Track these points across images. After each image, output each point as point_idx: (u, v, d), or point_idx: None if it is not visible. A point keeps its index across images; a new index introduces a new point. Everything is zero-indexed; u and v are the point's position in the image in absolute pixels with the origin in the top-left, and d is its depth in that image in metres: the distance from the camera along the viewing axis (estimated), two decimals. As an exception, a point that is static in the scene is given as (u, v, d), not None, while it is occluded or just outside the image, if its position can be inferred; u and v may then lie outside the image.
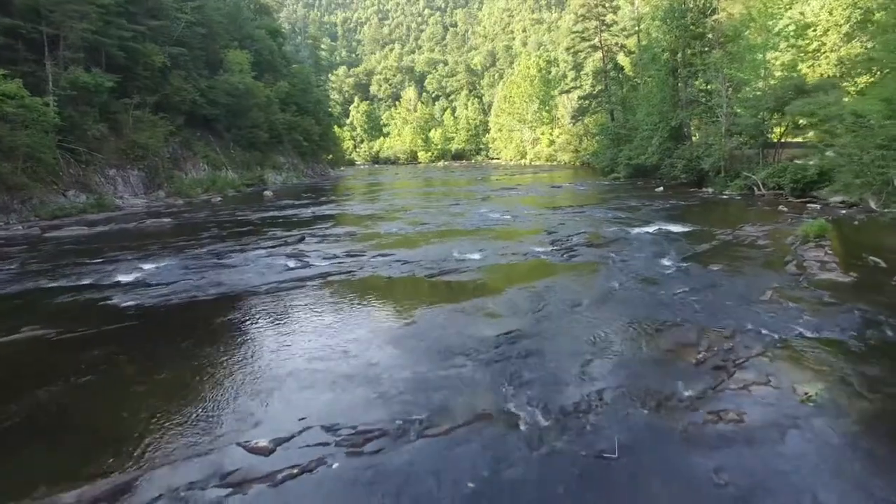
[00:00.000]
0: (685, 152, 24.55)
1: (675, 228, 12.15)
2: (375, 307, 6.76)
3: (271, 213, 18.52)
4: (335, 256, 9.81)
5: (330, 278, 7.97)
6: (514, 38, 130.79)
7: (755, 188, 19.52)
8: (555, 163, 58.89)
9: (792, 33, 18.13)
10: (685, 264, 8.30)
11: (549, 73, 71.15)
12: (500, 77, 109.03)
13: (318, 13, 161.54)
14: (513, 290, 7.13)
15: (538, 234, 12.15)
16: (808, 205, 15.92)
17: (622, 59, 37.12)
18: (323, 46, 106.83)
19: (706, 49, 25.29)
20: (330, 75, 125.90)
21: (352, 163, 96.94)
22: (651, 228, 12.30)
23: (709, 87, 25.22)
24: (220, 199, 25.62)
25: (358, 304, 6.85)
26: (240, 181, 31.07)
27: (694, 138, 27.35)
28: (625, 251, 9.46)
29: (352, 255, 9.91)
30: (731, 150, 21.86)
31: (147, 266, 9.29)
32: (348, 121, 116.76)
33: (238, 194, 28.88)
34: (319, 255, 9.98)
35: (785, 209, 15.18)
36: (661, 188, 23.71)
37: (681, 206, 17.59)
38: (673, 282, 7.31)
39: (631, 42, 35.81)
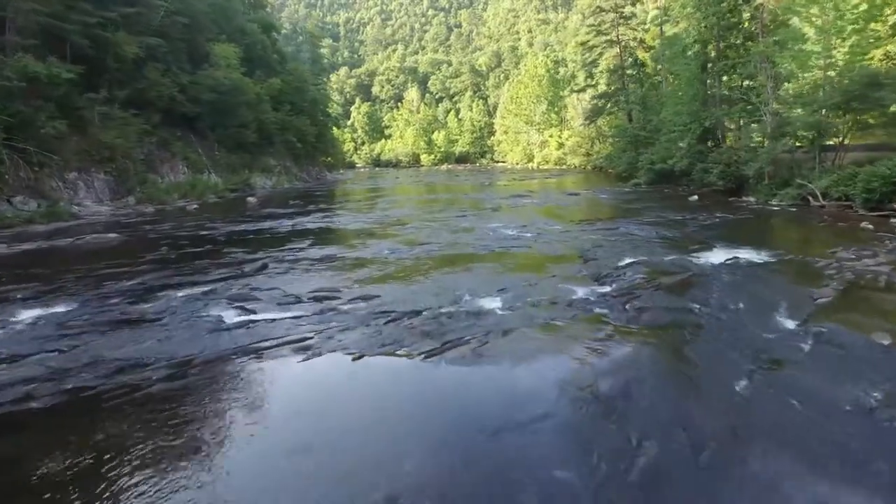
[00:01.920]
0: (722, 156, 21.62)
1: (751, 255, 9.25)
2: (329, 446, 3.82)
3: (245, 226, 15.70)
4: (295, 302, 6.94)
5: (269, 355, 5.03)
6: (519, 39, 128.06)
7: (811, 198, 16.61)
8: (564, 166, 55.99)
9: (863, 14, 15.24)
10: (819, 327, 5.40)
11: (558, 73, 68.37)
12: (506, 78, 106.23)
13: (320, 13, 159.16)
14: (570, 395, 4.23)
15: (573, 264, 9.27)
16: (891, 220, 13.03)
17: (641, 54, 34.22)
18: (324, 46, 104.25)
19: (744, 40, 22.39)
20: (331, 76, 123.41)
21: (352, 165, 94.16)
22: (719, 255, 9.40)
23: (747, 82, 22.34)
24: (196, 206, 22.83)
25: (298, 431, 3.93)
26: (223, 185, 28.26)
27: (728, 140, 24.47)
28: (711, 299, 6.56)
29: (319, 300, 7.04)
30: (779, 153, 18.93)
31: (18, 317, 6.44)
32: (349, 122, 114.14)
33: (220, 201, 26.08)
34: (275, 299, 7.11)
35: (867, 225, 12.29)
36: (695, 197, 20.78)
37: (731, 220, 14.69)
38: (832, 372, 4.42)
39: (651, 35, 32.98)
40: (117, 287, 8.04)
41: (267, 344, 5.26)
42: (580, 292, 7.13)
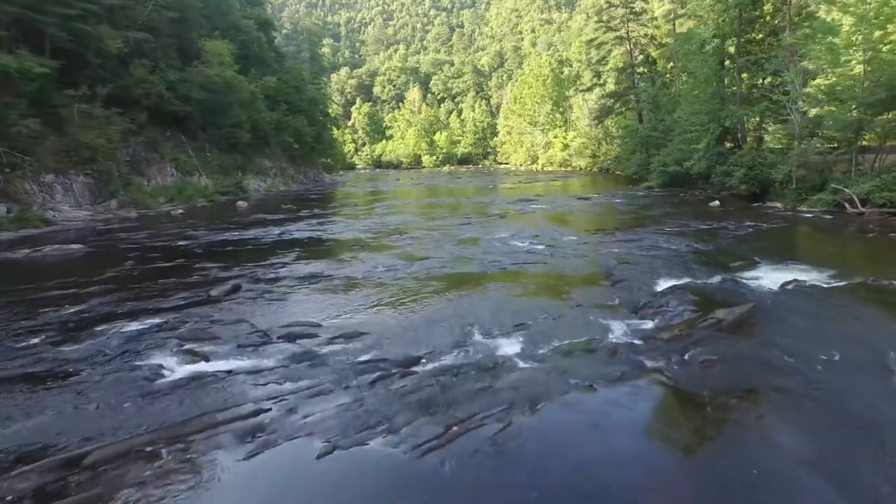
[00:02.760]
0: (744, 158, 20.14)
1: (810, 276, 7.78)
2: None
3: (228, 235, 14.27)
4: (261, 344, 5.50)
5: (203, 444, 3.49)
6: (522, 39, 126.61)
7: (848, 205, 15.13)
8: (569, 168, 54.54)
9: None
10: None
11: (562, 73, 66.93)
12: (509, 78, 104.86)
13: (322, 13, 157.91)
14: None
15: (600, 287, 7.83)
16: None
17: (652, 51, 32.73)
18: (324, 45, 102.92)
19: (766, 34, 20.93)
20: (332, 76, 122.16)
21: (352, 167, 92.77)
22: (771, 275, 7.94)
23: (770, 79, 20.88)
24: (182, 211, 21.41)
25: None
26: (213, 188, 26.86)
27: (748, 141, 23.01)
28: (791, 344, 5.09)
29: (291, 339, 5.61)
30: (810, 155, 17.45)
31: None
32: (350, 123, 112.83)
33: (209, 205, 24.68)
34: (237, 338, 5.68)
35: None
36: (716, 202, 19.28)
37: (765, 230, 13.22)
38: None
39: (662, 31, 31.51)
40: (50, 318, 6.61)
41: (206, 421, 3.80)
42: (618, 330, 5.68)
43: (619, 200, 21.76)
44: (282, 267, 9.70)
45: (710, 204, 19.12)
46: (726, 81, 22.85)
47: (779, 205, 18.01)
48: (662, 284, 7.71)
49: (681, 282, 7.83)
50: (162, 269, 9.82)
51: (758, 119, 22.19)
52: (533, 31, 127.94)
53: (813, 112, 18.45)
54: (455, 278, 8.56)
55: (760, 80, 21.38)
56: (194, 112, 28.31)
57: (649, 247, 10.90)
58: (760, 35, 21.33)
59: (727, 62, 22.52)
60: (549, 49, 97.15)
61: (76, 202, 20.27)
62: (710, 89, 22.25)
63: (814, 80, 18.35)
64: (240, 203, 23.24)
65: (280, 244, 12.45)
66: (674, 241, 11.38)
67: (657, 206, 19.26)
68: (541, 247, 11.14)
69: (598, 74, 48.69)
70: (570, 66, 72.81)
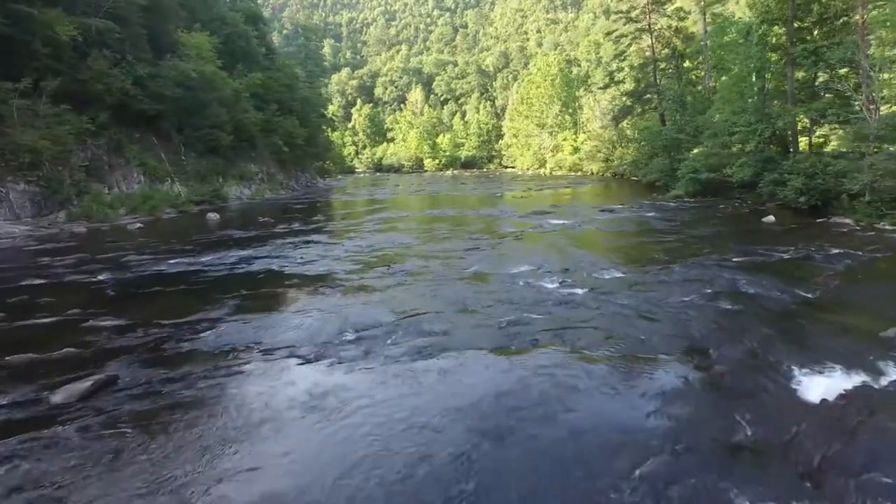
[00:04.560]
0: (803, 164, 16.91)
1: None
2: None
3: (170, 263, 11.19)
4: None
5: None
6: (528, 39, 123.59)
7: (951, 225, 11.95)
8: (580, 173, 51.28)
9: None
10: None
11: (571, 72, 63.81)
12: (514, 79, 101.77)
13: (323, 13, 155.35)
14: None
15: (701, 388, 4.69)
16: None
17: (677, 44, 29.49)
18: (319, 43, 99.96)
19: (829, 17, 17.75)
20: (332, 77, 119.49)
21: (351, 170, 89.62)
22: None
23: (832, 72, 17.71)
24: (140, 225, 18.34)
25: None
26: (187, 197, 23.81)
27: (801, 144, 19.82)
28: None
29: None
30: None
31: None
32: (350, 125, 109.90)
33: (178, 216, 21.65)
34: None
35: None
36: (771, 217, 16.01)
37: (866, 259, 10.01)
38: None
39: (691, 21, 28.35)
40: None
41: None
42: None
43: (650, 214, 18.56)
44: (205, 331, 6.58)
45: (764, 220, 15.89)
46: (768, 76, 19.72)
47: (849, 221, 14.84)
48: (804, 384, 4.58)
49: (835, 374, 4.68)
50: (30, 332, 6.73)
51: (808, 120, 19.01)
52: (539, 31, 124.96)
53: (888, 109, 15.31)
54: (460, 359, 5.44)
55: (824, 73, 18.17)
56: (168, 111, 25.33)
57: (729, 292, 7.75)
58: (828, 17, 18.05)
59: (775, 53, 19.35)
60: (555, 49, 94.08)
61: (13, 214, 17.25)
62: (758, 84, 19.08)
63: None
64: (210, 215, 20.17)
65: (225, 283, 9.33)
66: (757, 282, 8.22)
67: (700, 223, 16.08)
68: (580, 292, 7.99)
69: (609, 74, 45.57)
70: (579, 65, 69.75)
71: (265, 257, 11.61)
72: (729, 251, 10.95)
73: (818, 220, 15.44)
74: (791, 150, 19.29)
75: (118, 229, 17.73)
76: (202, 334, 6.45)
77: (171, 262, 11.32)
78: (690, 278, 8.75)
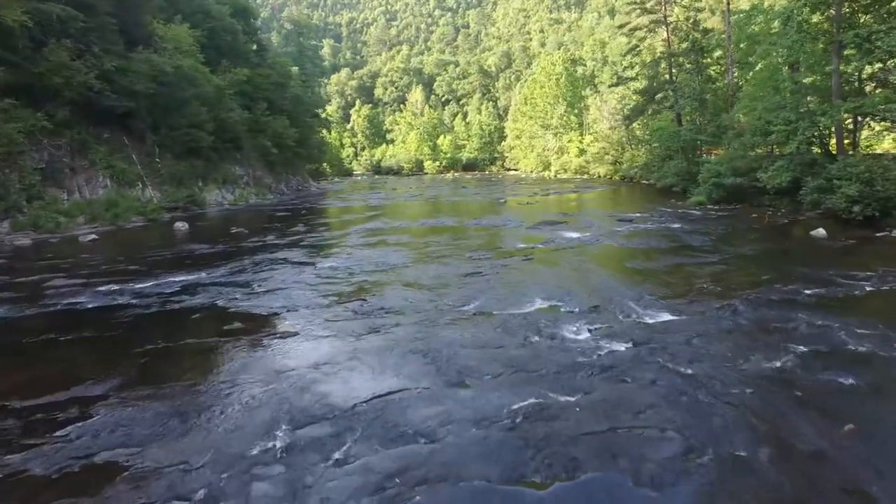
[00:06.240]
0: (857, 168, 14.58)
1: None
2: None
3: (109, 289, 8.98)
4: None
5: None
6: (531, 39, 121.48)
7: None
8: (586, 176, 49.01)
9: None
10: None
11: (576, 72, 61.59)
12: (517, 79, 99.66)
13: (323, 13, 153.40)
14: None
15: None
16: None
17: (698, 37, 27.16)
18: (325, 47, 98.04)
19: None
20: (332, 77, 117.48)
21: (349, 173, 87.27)
22: None
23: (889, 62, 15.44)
24: (95, 237, 16.11)
25: None
26: (159, 203, 21.60)
27: (846, 146, 17.50)
28: None
29: None
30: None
31: None
32: (349, 126, 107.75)
33: (145, 225, 19.44)
34: None
35: None
36: (821, 230, 13.67)
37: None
38: None
39: (708, 13, 26.07)
40: None
41: None
42: None
43: (676, 225, 16.26)
44: (68, 425, 4.33)
45: (812, 233, 13.58)
46: (803, 69, 17.44)
47: (912, 236, 12.60)
48: None
49: None
50: None
51: (854, 118, 16.72)
52: (542, 30, 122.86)
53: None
54: (461, 479, 3.20)
55: (867, 65, 15.90)
56: (141, 109, 23.14)
57: (828, 352, 5.49)
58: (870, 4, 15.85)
59: (815, 42, 17.06)
60: (559, 49, 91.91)
61: (-54, 225, 15.09)
62: (798, 77, 16.80)
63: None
64: (178, 225, 17.91)
65: (143, 329, 7.07)
66: (856, 331, 5.95)
67: (738, 237, 13.82)
68: (621, 349, 5.73)
69: (616, 74, 43.37)
70: (584, 65, 67.55)
71: (216, 284, 9.36)
72: (793, 278, 8.67)
73: (878, 234, 13.16)
74: (836, 152, 17.00)
75: (68, 242, 15.52)
76: (56, 433, 4.20)
77: (100, 289, 9.08)
78: (765, 325, 6.47)
